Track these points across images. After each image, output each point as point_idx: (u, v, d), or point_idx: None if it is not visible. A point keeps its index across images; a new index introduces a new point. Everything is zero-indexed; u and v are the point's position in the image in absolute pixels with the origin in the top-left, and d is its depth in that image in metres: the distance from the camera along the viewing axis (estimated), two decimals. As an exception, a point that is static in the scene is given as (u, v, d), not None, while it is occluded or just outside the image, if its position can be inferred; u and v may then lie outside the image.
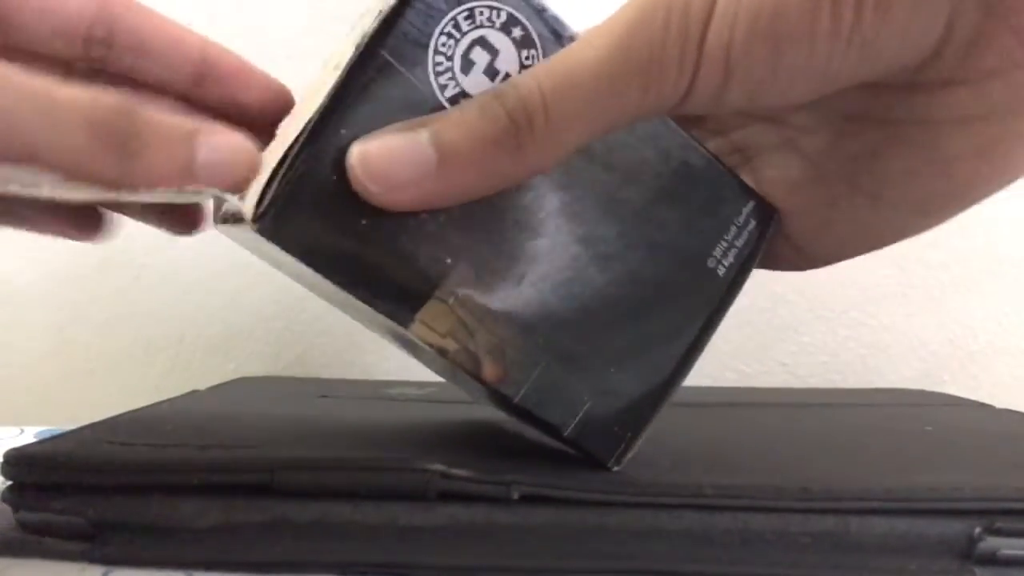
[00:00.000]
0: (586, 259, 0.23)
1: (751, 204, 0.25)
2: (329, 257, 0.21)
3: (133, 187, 0.20)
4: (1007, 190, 0.54)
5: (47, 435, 0.26)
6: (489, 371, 0.23)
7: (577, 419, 0.23)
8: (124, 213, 0.29)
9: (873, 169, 0.23)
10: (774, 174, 0.25)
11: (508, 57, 0.22)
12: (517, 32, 0.22)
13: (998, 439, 0.32)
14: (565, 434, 0.23)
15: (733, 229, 0.24)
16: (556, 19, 0.22)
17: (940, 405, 0.41)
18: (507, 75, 0.22)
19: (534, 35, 0.22)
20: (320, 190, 0.20)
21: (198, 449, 0.24)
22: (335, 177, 0.20)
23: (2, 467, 0.23)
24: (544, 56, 0.22)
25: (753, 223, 0.25)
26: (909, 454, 0.29)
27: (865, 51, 0.20)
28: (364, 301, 0.21)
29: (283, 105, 0.26)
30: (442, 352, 0.22)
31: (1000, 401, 0.40)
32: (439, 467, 0.22)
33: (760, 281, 0.54)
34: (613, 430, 0.24)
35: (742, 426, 0.33)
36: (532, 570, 0.22)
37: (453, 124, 0.20)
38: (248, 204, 0.20)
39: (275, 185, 0.20)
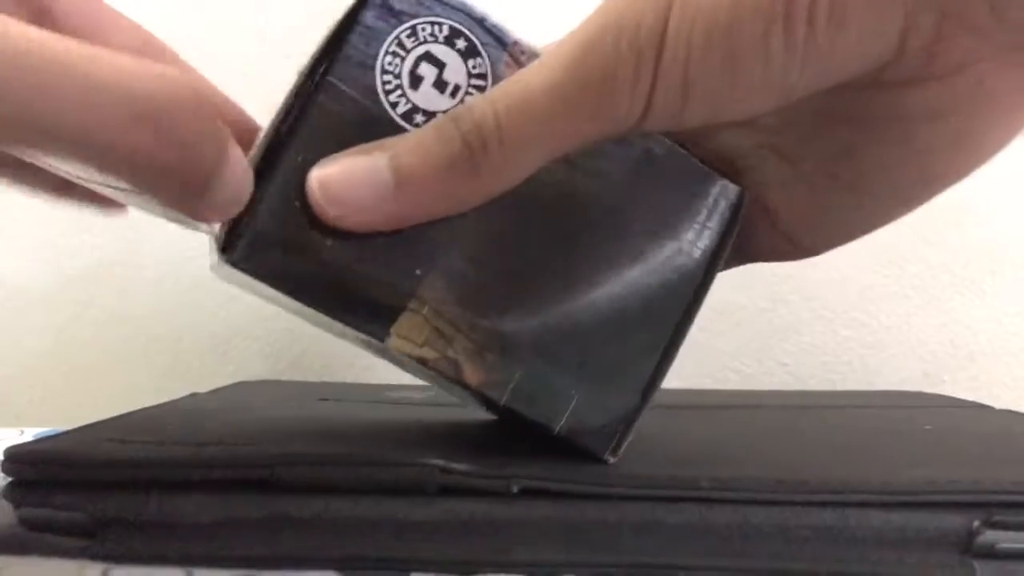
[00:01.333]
0: (557, 255, 0.23)
1: (718, 184, 0.25)
2: (300, 280, 0.21)
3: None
4: (1009, 191, 0.54)
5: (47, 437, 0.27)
6: (471, 375, 0.23)
7: (566, 415, 0.23)
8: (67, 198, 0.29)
9: (850, 165, 0.23)
10: (756, 176, 0.25)
11: (455, 68, 0.22)
12: (461, 43, 0.22)
13: (997, 437, 0.32)
14: (555, 431, 0.23)
15: (704, 211, 0.24)
16: (498, 27, 0.23)
17: (939, 406, 0.41)
18: (456, 86, 0.22)
19: (478, 44, 0.22)
20: (285, 216, 0.21)
21: (198, 446, 0.24)
22: (298, 203, 0.21)
23: (3, 464, 0.23)
24: (490, 64, 0.22)
25: (723, 202, 0.25)
26: (908, 450, 0.29)
27: (821, 64, 0.20)
28: (339, 320, 0.22)
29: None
30: (422, 362, 0.22)
31: (1000, 401, 0.40)
32: (438, 462, 0.22)
33: (760, 281, 0.54)
34: (605, 422, 0.24)
35: (742, 426, 0.33)
36: (532, 564, 0.22)
37: (410, 147, 0.21)
38: (219, 236, 0.21)
39: (242, 215, 0.21)
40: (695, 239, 0.24)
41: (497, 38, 0.23)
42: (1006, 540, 0.22)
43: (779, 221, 0.25)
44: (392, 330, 0.22)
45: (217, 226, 0.21)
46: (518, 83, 0.20)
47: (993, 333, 0.53)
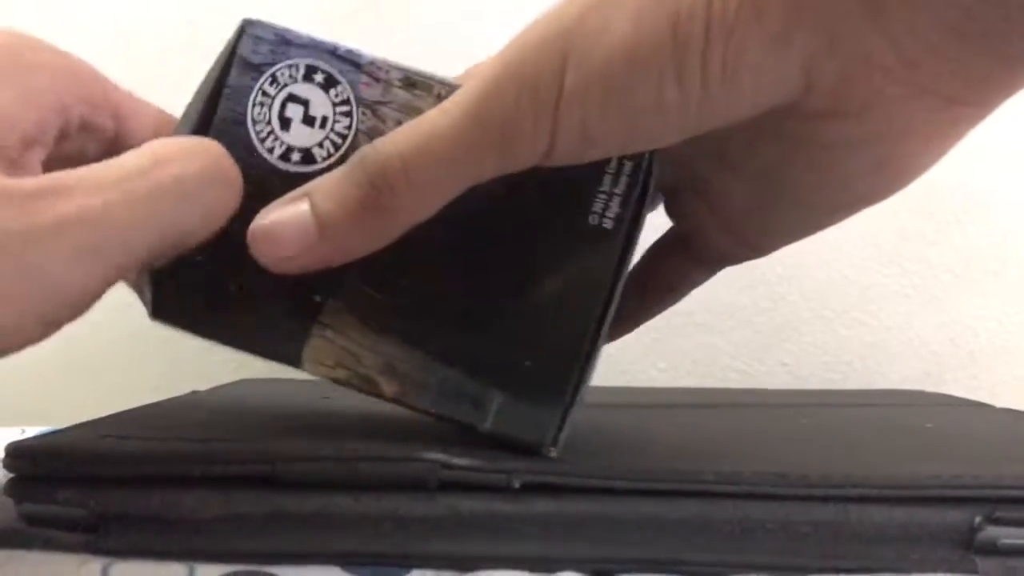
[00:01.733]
0: (458, 258, 0.23)
1: None
2: (214, 325, 0.24)
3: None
4: (1009, 191, 0.54)
5: (49, 434, 0.27)
6: (387, 389, 0.24)
7: (492, 412, 0.23)
8: None
9: (784, 184, 0.23)
10: (703, 180, 0.25)
11: (319, 102, 0.23)
12: (319, 77, 0.24)
13: (998, 435, 0.32)
14: (482, 429, 0.24)
15: (607, 178, 0.23)
16: (350, 51, 0.24)
17: (940, 405, 0.41)
18: (324, 118, 0.23)
19: (335, 73, 0.24)
20: (192, 275, 0.24)
21: (200, 442, 0.24)
22: (200, 257, 0.23)
23: (4, 460, 0.23)
24: (350, 88, 0.23)
25: (628, 164, 0.23)
26: (910, 447, 0.29)
27: (719, 110, 0.20)
28: (255, 355, 0.24)
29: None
30: (337, 382, 0.24)
31: (1000, 401, 0.40)
32: (439, 457, 0.22)
33: (760, 281, 0.54)
34: (535, 414, 0.23)
35: (743, 423, 0.34)
36: (533, 559, 0.22)
37: (326, 192, 0.22)
38: (148, 304, 0.25)
39: (157, 282, 0.24)
40: (603, 210, 0.23)
41: (351, 63, 0.24)
42: (1008, 536, 0.22)
43: (729, 224, 0.26)
44: (304, 356, 0.24)
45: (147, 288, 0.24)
46: (421, 125, 0.21)
47: (994, 333, 0.53)
